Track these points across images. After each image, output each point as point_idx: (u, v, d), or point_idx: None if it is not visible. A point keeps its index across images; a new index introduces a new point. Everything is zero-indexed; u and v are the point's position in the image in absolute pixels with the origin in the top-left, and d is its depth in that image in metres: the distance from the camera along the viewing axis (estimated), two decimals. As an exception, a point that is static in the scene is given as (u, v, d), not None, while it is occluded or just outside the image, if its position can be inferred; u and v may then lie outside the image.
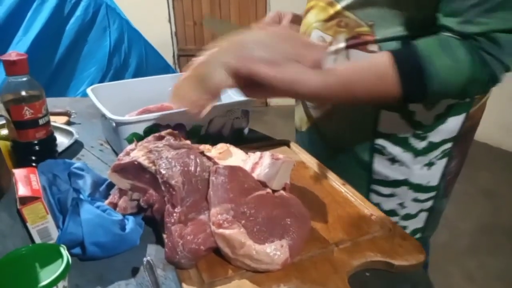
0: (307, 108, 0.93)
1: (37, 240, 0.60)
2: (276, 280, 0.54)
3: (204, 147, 0.73)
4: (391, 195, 0.85)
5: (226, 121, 0.95)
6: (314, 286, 0.53)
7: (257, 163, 0.68)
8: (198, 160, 0.64)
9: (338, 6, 0.76)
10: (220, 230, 0.56)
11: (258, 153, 0.71)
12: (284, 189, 0.67)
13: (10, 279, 0.49)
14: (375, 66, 0.65)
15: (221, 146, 0.75)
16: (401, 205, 0.85)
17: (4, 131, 0.86)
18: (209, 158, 0.69)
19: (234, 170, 0.64)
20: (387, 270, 0.58)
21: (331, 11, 0.78)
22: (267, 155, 0.69)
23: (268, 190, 0.63)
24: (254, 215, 0.58)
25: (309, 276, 0.55)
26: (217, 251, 0.58)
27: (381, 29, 0.73)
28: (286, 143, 0.95)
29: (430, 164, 0.82)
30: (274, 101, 4.19)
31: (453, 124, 0.79)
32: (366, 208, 0.70)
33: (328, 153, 0.90)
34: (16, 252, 0.52)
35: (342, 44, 0.77)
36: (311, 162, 0.85)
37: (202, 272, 0.56)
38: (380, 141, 0.81)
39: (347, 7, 0.75)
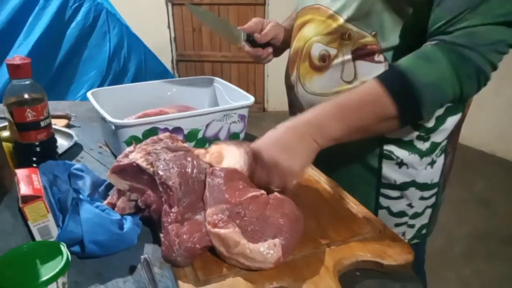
0: None
1: (38, 238, 0.62)
2: (269, 278, 0.56)
3: (199, 152, 0.75)
4: (400, 197, 0.87)
5: (223, 125, 0.97)
6: (306, 284, 0.55)
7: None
8: (195, 162, 0.66)
9: (341, 20, 0.78)
10: (216, 230, 0.58)
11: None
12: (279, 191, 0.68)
13: (12, 275, 0.50)
14: (367, 95, 0.68)
15: (214, 150, 0.76)
16: (410, 205, 0.88)
17: (6, 133, 0.88)
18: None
19: (230, 173, 0.66)
20: (376, 269, 0.60)
21: (334, 24, 0.79)
22: None
23: (263, 191, 0.65)
24: (248, 215, 0.60)
25: (301, 274, 0.57)
26: (212, 250, 0.60)
27: (384, 37, 0.75)
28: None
29: (432, 163, 0.85)
30: (271, 107, 4.21)
31: (451, 123, 0.83)
32: (358, 210, 0.72)
33: (334, 160, 0.89)
34: (18, 249, 0.54)
35: (348, 56, 0.79)
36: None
37: (198, 270, 0.57)
38: (388, 147, 0.83)
39: (349, 19, 0.77)
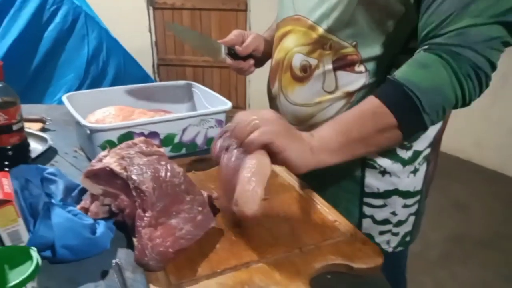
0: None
1: (7, 243, 0.61)
2: (241, 282, 0.57)
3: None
4: (383, 206, 0.86)
5: (200, 130, 0.97)
6: None
7: None
8: (168, 166, 0.67)
9: (320, 30, 0.78)
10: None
11: None
12: None
13: (-20, 280, 0.50)
14: (364, 108, 0.66)
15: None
16: (393, 213, 0.87)
17: (-23, 137, 0.86)
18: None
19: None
20: (347, 272, 0.62)
21: (314, 35, 0.79)
22: None
23: None
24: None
25: (273, 278, 0.58)
26: (185, 253, 0.60)
27: (364, 48, 0.75)
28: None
29: (415, 171, 0.85)
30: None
31: (432, 131, 0.83)
32: (330, 214, 0.73)
33: (317, 170, 0.86)
34: (-14, 254, 0.53)
35: (329, 67, 0.79)
36: (281, 171, 0.88)
37: (170, 274, 0.58)
38: (370, 156, 0.82)
39: (329, 30, 0.77)
